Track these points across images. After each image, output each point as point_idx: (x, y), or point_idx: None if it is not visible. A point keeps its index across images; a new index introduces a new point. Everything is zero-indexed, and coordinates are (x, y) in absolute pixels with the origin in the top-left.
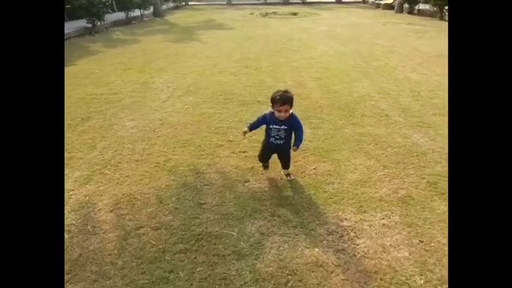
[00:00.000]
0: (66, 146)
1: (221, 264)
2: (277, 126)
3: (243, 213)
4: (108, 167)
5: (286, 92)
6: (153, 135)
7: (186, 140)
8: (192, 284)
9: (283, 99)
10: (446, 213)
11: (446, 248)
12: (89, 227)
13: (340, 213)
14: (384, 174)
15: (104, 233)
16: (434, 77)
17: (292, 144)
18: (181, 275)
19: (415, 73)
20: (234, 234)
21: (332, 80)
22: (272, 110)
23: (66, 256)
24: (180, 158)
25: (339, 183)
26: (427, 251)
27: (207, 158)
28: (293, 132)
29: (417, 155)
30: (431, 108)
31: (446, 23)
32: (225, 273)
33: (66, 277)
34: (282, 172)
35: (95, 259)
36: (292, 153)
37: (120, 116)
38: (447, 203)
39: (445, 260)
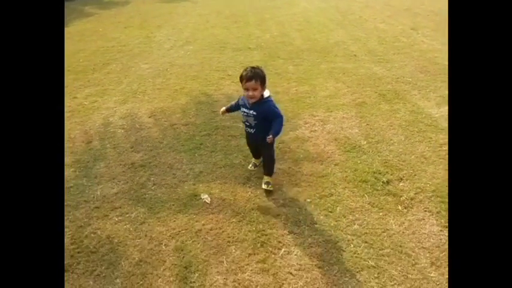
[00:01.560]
0: (97, 83)
1: (234, 140)
2: (246, 110)
3: None
4: (137, 93)
5: (255, 67)
6: (166, 73)
7: (193, 75)
8: (215, 149)
9: (248, 76)
10: (390, 110)
11: (384, 126)
12: (137, 125)
13: (314, 112)
14: (347, 91)
15: (148, 129)
16: (400, 26)
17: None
18: (208, 145)
19: (383, 24)
20: (240, 125)
21: (312, 30)
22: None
23: (128, 141)
24: (192, 86)
25: (314, 97)
26: (370, 129)
27: (213, 86)
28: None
29: (374, 79)
30: (392, 49)
31: None
32: (237, 145)
33: (131, 149)
34: (263, 179)
35: (147, 141)
36: (275, 155)
37: (134, 61)
38: (391, 106)
39: (382, 133)
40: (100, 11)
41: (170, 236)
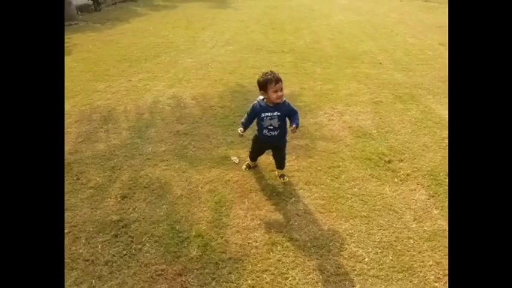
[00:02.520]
0: (148, 70)
1: None
2: (269, 114)
3: None
4: (182, 81)
5: (272, 72)
6: (207, 67)
7: (231, 70)
8: None
9: (276, 78)
10: (403, 109)
11: (395, 120)
12: (181, 105)
13: (333, 106)
14: (367, 91)
15: (190, 108)
16: (429, 41)
17: (287, 131)
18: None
19: (413, 38)
20: None
21: (343, 40)
22: (260, 98)
23: (174, 115)
24: (229, 79)
25: (336, 94)
26: (382, 122)
27: (247, 80)
28: (287, 120)
29: (394, 84)
30: (417, 60)
31: None
32: None
33: (176, 121)
34: (276, 173)
35: (189, 116)
36: (287, 150)
37: (181, 56)
38: (404, 105)
39: (392, 126)
40: (150, 12)
41: (205, 182)
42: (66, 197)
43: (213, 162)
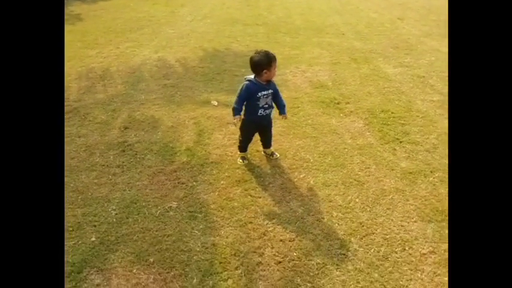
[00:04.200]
0: (134, 39)
1: (237, 78)
2: (265, 92)
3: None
4: (166, 48)
5: (267, 51)
6: (188, 37)
7: (209, 39)
8: (223, 81)
9: (274, 56)
10: (356, 68)
11: (348, 76)
12: (167, 65)
13: (298, 66)
14: (328, 55)
15: (175, 68)
16: (389, 16)
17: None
18: (218, 79)
19: (376, 13)
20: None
21: (312, 15)
22: (251, 77)
23: (161, 73)
24: (208, 46)
25: (301, 57)
26: (337, 77)
27: (224, 46)
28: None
29: (352, 50)
30: (376, 32)
31: None
32: (239, 80)
33: (163, 77)
34: (263, 153)
35: (174, 73)
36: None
37: (162, 28)
38: (358, 65)
39: (345, 80)
40: None
41: (191, 118)
42: (76, 129)
43: (196, 105)
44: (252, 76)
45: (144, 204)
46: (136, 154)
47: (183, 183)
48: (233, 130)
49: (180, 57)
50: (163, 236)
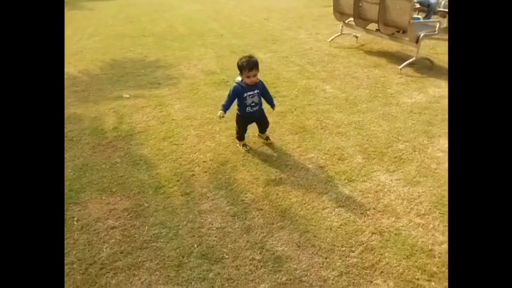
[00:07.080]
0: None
1: (141, 76)
2: (251, 93)
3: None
4: (65, 64)
5: (251, 57)
6: (81, 53)
7: (103, 52)
8: (128, 81)
9: (250, 65)
10: (235, 57)
11: (230, 63)
12: (71, 77)
13: (189, 62)
14: (212, 52)
15: (80, 77)
16: (257, 18)
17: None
18: (123, 81)
19: (246, 17)
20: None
21: (192, 24)
22: (239, 80)
23: (68, 83)
24: (104, 58)
25: (191, 56)
26: (222, 65)
27: (120, 56)
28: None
29: (231, 46)
30: (248, 31)
31: None
32: (146, 80)
33: (72, 85)
34: (259, 136)
35: (82, 82)
36: (269, 117)
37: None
38: (237, 55)
39: (228, 66)
40: None
41: (109, 109)
42: None
43: (111, 100)
44: (240, 78)
45: (93, 164)
46: (72, 138)
47: (120, 148)
48: (148, 111)
49: (82, 69)
50: (117, 177)
